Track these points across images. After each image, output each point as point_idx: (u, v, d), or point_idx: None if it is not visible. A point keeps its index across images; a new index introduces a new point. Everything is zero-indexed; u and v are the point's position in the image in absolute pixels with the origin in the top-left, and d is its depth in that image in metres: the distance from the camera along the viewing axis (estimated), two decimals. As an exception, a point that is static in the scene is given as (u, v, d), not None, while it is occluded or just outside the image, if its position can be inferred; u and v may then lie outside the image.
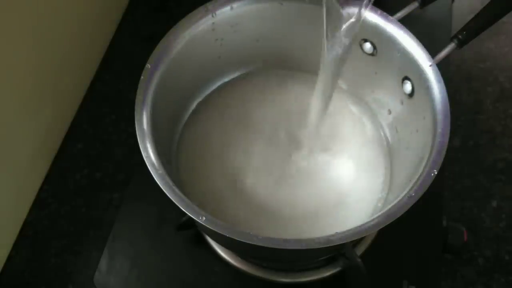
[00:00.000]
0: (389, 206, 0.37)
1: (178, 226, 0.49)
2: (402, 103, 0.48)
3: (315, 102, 0.48)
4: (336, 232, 0.36)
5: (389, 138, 0.51)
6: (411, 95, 0.46)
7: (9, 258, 0.55)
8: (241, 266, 0.50)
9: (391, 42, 0.46)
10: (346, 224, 0.38)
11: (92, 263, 0.53)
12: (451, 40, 0.44)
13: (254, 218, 0.47)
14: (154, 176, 0.38)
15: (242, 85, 0.55)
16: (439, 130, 0.41)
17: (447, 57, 0.44)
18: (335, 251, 0.45)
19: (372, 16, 0.47)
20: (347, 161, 0.50)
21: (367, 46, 0.49)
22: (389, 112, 0.51)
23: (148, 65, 0.43)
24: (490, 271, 0.56)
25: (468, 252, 0.57)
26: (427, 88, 0.43)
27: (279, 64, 0.55)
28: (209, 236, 0.50)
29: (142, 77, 0.43)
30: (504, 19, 0.44)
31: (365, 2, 0.41)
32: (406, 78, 0.47)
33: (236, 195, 0.48)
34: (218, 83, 0.54)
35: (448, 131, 0.40)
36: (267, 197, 0.48)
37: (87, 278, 0.52)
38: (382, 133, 0.52)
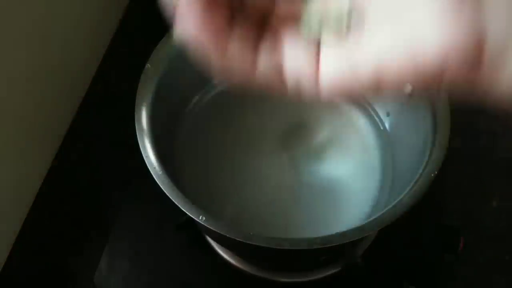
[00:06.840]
0: (389, 206, 0.37)
1: (178, 226, 0.49)
2: (402, 103, 0.48)
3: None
4: (336, 232, 0.36)
5: (389, 138, 0.51)
6: (411, 95, 0.46)
7: (9, 258, 0.55)
8: (241, 266, 0.50)
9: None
10: (346, 225, 0.38)
11: (92, 263, 0.53)
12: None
13: (254, 219, 0.47)
14: (153, 176, 0.38)
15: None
16: (439, 130, 0.41)
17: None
18: (335, 251, 0.45)
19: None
20: (346, 162, 0.50)
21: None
22: (389, 112, 0.51)
23: (148, 65, 0.43)
24: (490, 271, 0.56)
25: (468, 252, 0.57)
26: (427, 88, 0.43)
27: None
28: (209, 236, 0.50)
29: (142, 77, 0.43)
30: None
31: None
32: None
33: (236, 195, 0.48)
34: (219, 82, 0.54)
35: (448, 131, 0.40)
36: (267, 197, 0.48)
37: (87, 278, 0.52)
38: (381, 133, 0.52)
